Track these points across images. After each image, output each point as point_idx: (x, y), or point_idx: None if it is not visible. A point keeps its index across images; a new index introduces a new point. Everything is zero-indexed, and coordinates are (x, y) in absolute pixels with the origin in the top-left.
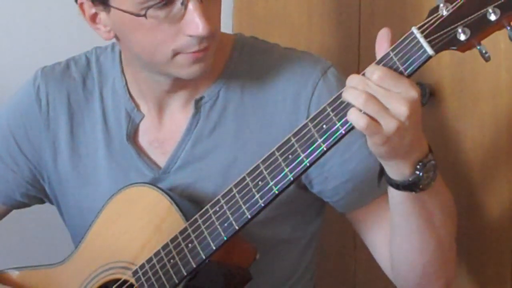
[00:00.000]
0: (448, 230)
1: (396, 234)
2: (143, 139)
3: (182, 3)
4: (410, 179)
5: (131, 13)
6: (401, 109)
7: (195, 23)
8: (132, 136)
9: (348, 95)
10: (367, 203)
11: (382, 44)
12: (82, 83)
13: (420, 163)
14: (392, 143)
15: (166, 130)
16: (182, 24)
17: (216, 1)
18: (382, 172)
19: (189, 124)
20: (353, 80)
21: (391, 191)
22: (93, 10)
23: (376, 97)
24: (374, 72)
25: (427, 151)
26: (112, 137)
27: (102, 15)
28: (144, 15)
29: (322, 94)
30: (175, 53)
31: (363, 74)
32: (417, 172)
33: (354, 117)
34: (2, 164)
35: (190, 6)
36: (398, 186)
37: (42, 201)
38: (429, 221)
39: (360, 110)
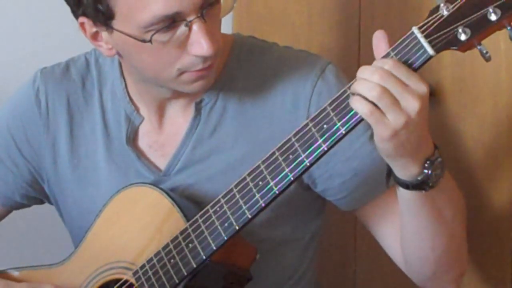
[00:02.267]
0: (459, 223)
1: (407, 232)
2: (143, 142)
3: (186, 25)
4: (419, 178)
5: (135, 38)
6: (413, 104)
7: (200, 44)
8: (132, 139)
9: (361, 87)
10: (373, 199)
11: (380, 46)
12: (81, 85)
13: (428, 161)
14: (400, 138)
15: (166, 133)
16: (187, 45)
17: (217, 17)
18: (389, 172)
19: (189, 126)
20: (365, 71)
21: (400, 190)
22: (94, 29)
23: (390, 91)
24: (386, 62)
25: (433, 148)
26: (111, 139)
27: (104, 34)
28: (150, 41)
29: (322, 93)
30: (181, 72)
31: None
32: (425, 171)
33: (359, 105)
34: (1, 165)
35: (195, 27)
36: (408, 186)
37: (41, 202)
38: (439, 217)
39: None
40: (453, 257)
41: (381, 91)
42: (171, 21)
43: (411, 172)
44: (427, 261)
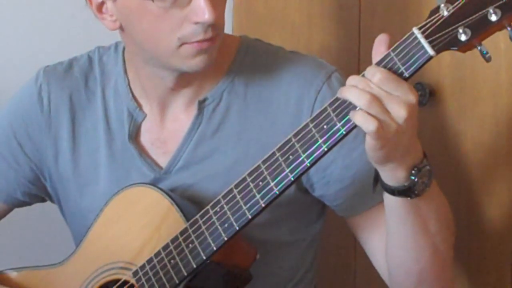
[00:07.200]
0: (443, 237)
1: (391, 241)
2: (145, 139)
3: None
4: (405, 184)
5: None
6: (400, 112)
7: (201, 9)
8: (134, 136)
9: (349, 94)
10: (366, 209)
11: (379, 49)
12: (84, 83)
13: (415, 168)
14: (389, 146)
15: (168, 130)
16: (188, 11)
17: None
18: (377, 178)
19: (191, 124)
20: (353, 79)
21: (386, 196)
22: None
23: (379, 99)
24: (375, 74)
25: (422, 156)
26: (113, 137)
27: (109, 4)
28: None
29: (326, 99)
30: (181, 43)
31: (363, 75)
32: (412, 178)
33: (362, 120)
34: (3, 163)
35: None
36: (393, 191)
37: (43, 200)
38: (424, 227)
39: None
40: (436, 272)
41: (371, 98)
42: None
43: (398, 178)
44: (410, 274)
